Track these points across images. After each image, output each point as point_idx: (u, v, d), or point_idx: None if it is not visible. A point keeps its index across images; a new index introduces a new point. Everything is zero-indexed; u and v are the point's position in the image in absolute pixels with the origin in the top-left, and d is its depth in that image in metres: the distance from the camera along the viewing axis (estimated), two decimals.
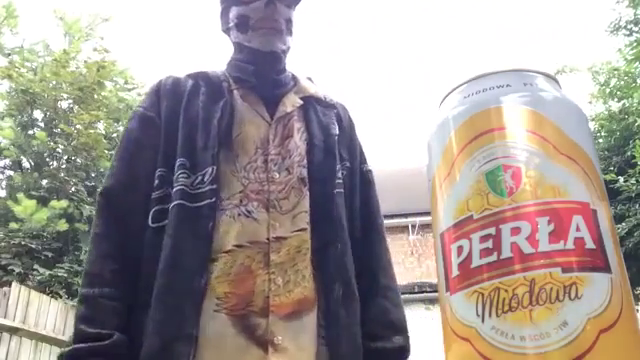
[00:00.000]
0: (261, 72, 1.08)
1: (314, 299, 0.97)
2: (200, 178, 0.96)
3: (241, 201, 0.97)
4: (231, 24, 1.10)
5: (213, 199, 0.95)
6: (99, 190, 1.03)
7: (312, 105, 1.12)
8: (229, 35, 1.13)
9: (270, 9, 1.04)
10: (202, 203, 0.94)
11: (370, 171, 1.20)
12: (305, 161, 1.05)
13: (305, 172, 1.04)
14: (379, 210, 1.19)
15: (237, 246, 0.94)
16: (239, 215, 0.96)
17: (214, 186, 0.96)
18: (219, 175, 0.97)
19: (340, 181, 1.07)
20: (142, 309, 0.92)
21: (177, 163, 0.97)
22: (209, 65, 1.16)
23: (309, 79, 1.19)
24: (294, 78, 1.15)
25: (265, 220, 0.97)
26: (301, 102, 1.11)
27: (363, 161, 1.19)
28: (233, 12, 1.09)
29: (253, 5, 1.05)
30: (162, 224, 0.95)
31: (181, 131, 1.01)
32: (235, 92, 1.07)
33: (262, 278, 0.93)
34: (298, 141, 1.06)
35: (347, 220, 1.06)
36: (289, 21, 1.09)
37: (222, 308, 0.91)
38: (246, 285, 0.92)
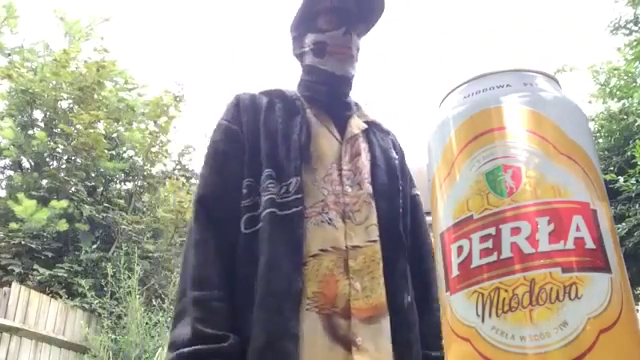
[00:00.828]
0: (333, 93, 1.20)
1: (387, 306, 1.06)
2: (285, 188, 1.04)
3: (322, 209, 1.06)
4: (307, 49, 1.19)
5: (300, 207, 1.03)
6: (194, 198, 1.08)
7: (373, 129, 1.24)
8: (302, 59, 1.23)
9: (346, 38, 1.16)
10: (291, 211, 1.02)
11: (418, 195, 1.31)
12: (370, 179, 1.15)
13: (371, 189, 1.14)
14: (428, 231, 1.29)
15: (322, 250, 1.03)
16: (322, 222, 1.05)
17: (299, 195, 1.04)
18: (302, 185, 1.05)
19: (402, 201, 1.18)
20: (243, 309, 0.97)
21: (265, 173, 1.05)
22: (282, 84, 1.24)
23: (366, 104, 1.31)
24: (356, 103, 1.27)
25: (342, 229, 1.06)
26: (365, 126, 1.22)
27: (413, 185, 1.30)
28: (310, 38, 1.18)
29: (330, 33, 1.16)
30: (254, 230, 1.02)
31: (264, 144, 1.09)
32: (308, 110, 1.17)
33: (343, 282, 1.01)
34: (365, 160, 1.16)
35: None
36: (358, 49, 1.21)
37: (313, 307, 0.99)
38: (331, 287, 1.00)
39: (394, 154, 1.24)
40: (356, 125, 1.21)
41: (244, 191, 1.05)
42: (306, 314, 0.98)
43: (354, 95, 1.28)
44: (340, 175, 1.11)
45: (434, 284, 1.17)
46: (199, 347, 0.90)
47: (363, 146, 1.19)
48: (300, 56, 1.23)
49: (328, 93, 1.19)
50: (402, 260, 1.12)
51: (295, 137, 1.10)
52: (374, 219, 1.10)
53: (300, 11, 1.19)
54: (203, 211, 1.05)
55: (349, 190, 1.10)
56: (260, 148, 1.09)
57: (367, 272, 1.04)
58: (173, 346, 0.92)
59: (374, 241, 1.08)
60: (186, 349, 0.90)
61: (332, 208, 1.07)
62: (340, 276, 1.02)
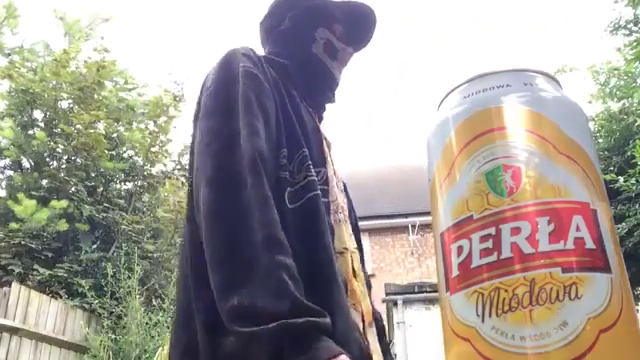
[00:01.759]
0: (326, 96, 1.17)
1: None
2: (319, 175, 0.95)
3: (337, 207, 1.00)
4: (319, 40, 1.14)
5: (326, 199, 0.96)
6: (249, 147, 0.84)
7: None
8: (309, 43, 1.13)
9: (350, 57, 1.19)
10: (324, 200, 0.93)
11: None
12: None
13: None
14: None
15: (344, 248, 0.97)
16: (339, 221, 0.99)
17: (326, 187, 0.96)
18: (328, 179, 0.98)
19: (355, 214, 1.16)
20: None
21: (302, 152, 0.93)
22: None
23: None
24: None
25: (346, 231, 1.01)
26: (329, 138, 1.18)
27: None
28: (323, 32, 1.14)
29: (343, 45, 1.16)
30: (296, 205, 0.88)
31: (296, 120, 0.97)
32: (304, 102, 1.09)
33: (356, 282, 0.97)
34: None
35: None
36: None
37: (351, 304, 0.92)
38: (354, 287, 0.95)
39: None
40: (326, 132, 1.16)
41: (283, 160, 0.90)
42: (350, 311, 0.91)
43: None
44: (335, 176, 1.05)
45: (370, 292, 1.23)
46: (313, 319, 0.71)
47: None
48: (301, 37, 1.13)
49: (324, 91, 1.16)
50: (365, 270, 1.11)
51: (313, 125, 1.03)
52: (351, 228, 1.07)
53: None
54: (264, 165, 0.84)
55: (340, 195, 1.05)
56: (294, 122, 0.96)
57: (361, 277, 1.01)
58: (257, 315, 0.70)
59: (357, 248, 1.05)
60: (299, 320, 0.69)
61: (341, 208, 1.02)
62: (352, 276, 0.96)
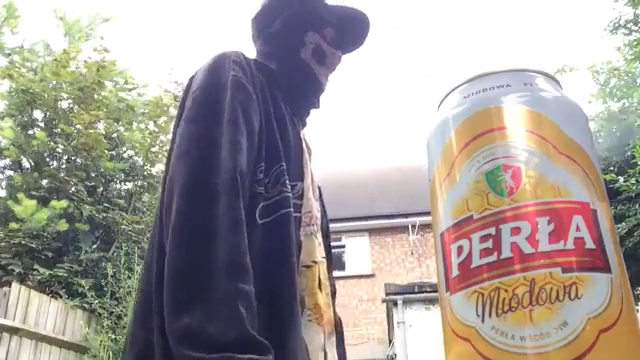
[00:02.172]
0: (312, 100, 1.16)
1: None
2: (294, 190, 0.94)
3: (310, 220, 1.01)
4: (308, 45, 1.13)
5: (299, 214, 0.95)
6: (228, 168, 0.82)
7: None
8: (297, 47, 1.12)
9: (339, 62, 1.18)
10: (296, 215, 0.93)
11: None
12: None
13: None
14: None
15: (313, 262, 0.98)
16: (311, 234, 1.00)
17: (300, 202, 0.96)
18: (303, 192, 0.98)
19: (326, 221, 1.18)
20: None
21: (280, 167, 0.92)
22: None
23: None
24: None
25: (319, 241, 1.03)
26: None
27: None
28: (313, 37, 1.13)
29: (332, 49, 1.15)
30: (266, 221, 0.87)
31: (278, 133, 0.95)
32: (287, 109, 1.07)
33: (320, 294, 0.98)
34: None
35: None
36: None
37: (314, 318, 0.95)
38: (319, 300, 0.97)
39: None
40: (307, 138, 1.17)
41: (260, 175, 0.89)
42: (309, 325, 0.92)
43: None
44: (311, 187, 1.05)
45: (334, 300, 1.25)
46: (255, 357, 0.70)
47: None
48: (294, 41, 1.12)
49: (308, 97, 1.15)
50: (333, 277, 1.14)
51: (296, 136, 1.02)
52: (321, 236, 1.07)
53: (306, 1, 1.14)
54: (243, 186, 0.83)
55: (315, 203, 1.06)
56: (275, 134, 0.94)
57: (325, 286, 1.01)
58: (206, 344, 0.69)
59: (324, 257, 1.05)
60: (240, 356, 0.68)
61: (314, 220, 1.02)
62: (317, 289, 0.97)
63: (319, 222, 1.06)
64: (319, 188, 1.15)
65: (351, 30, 1.19)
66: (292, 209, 0.90)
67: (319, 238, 1.04)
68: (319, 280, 0.98)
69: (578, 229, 0.56)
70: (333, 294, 1.12)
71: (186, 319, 0.70)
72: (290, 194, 0.91)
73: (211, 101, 0.88)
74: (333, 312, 1.06)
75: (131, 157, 7.97)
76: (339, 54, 1.16)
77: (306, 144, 1.09)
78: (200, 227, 0.77)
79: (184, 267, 0.74)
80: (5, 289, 4.67)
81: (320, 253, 1.02)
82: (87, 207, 6.46)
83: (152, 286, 0.83)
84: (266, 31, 1.15)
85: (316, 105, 1.17)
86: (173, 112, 7.85)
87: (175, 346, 0.70)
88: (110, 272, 5.48)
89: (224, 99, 0.88)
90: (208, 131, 0.85)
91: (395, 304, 8.46)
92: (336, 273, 1.57)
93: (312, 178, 1.07)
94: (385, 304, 8.86)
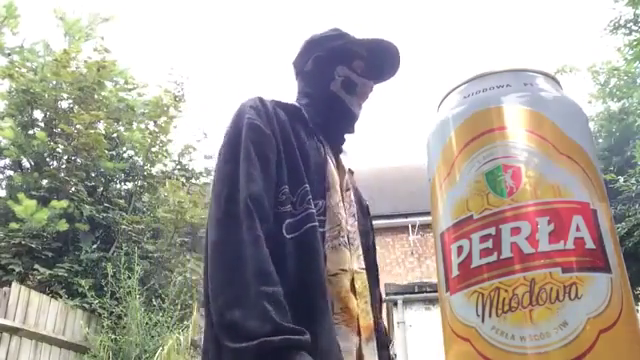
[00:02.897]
0: (343, 127, 1.30)
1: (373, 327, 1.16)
2: (317, 208, 1.10)
3: (339, 233, 1.12)
4: (337, 78, 1.27)
5: (323, 229, 1.10)
6: (245, 194, 1.03)
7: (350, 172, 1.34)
8: (328, 82, 1.27)
9: (370, 91, 1.30)
10: (321, 230, 1.08)
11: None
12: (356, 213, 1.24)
13: (356, 223, 1.23)
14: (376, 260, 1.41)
15: (342, 270, 1.10)
16: (339, 245, 1.11)
17: (324, 218, 1.11)
18: (326, 209, 1.12)
19: (372, 238, 1.33)
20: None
21: (305, 188, 1.09)
22: (287, 98, 1.27)
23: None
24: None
25: (349, 253, 1.13)
26: (349, 166, 1.31)
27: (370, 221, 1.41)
28: (342, 70, 1.27)
29: (363, 80, 1.27)
30: (294, 235, 1.05)
31: (300, 159, 1.13)
32: (318, 136, 1.23)
33: (354, 302, 1.10)
34: (352, 195, 1.26)
35: None
36: None
37: (341, 321, 1.06)
38: (350, 305, 1.08)
39: (363, 195, 1.39)
40: (345, 161, 1.31)
41: (282, 197, 1.07)
42: (336, 328, 1.04)
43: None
44: (343, 204, 1.19)
45: (380, 308, 1.36)
46: (289, 337, 0.87)
47: (350, 183, 1.29)
48: (321, 77, 1.28)
49: (340, 125, 1.29)
50: (378, 289, 1.28)
51: (318, 160, 1.17)
52: (361, 250, 1.20)
53: (336, 38, 1.28)
54: (256, 208, 1.01)
55: (350, 220, 1.19)
56: (296, 162, 1.12)
57: (363, 295, 1.13)
58: (243, 335, 0.87)
59: (364, 269, 1.18)
60: (276, 337, 0.86)
61: (343, 232, 1.14)
62: (351, 295, 1.09)
63: (353, 235, 1.18)
64: (366, 206, 1.36)
65: (380, 61, 1.30)
66: (317, 223, 1.06)
67: (357, 251, 1.17)
68: (353, 287, 1.11)
69: (578, 229, 0.56)
70: (380, 303, 1.27)
71: (230, 316, 0.90)
72: (314, 210, 1.07)
73: (231, 146, 1.10)
74: (375, 321, 1.18)
75: (131, 157, 7.97)
76: (371, 83, 1.29)
77: (338, 167, 1.25)
78: (230, 248, 0.99)
79: (224, 279, 0.96)
80: (5, 289, 4.67)
81: (357, 264, 1.15)
82: (87, 207, 6.45)
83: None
84: (302, 71, 1.31)
85: (350, 131, 1.31)
86: (173, 112, 7.85)
87: (222, 336, 0.91)
88: (110, 272, 5.48)
89: (240, 142, 1.09)
90: (231, 171, 1.06)
91: (395, 304, 8.46)
92: None
93: (347, 196, 1.22)
94: (385, 304, 8.87)
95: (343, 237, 1.13)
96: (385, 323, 1.33)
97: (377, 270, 1.35)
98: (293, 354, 0.87)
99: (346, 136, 1.33)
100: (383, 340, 1.21)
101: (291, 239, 1.04)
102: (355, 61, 1.28)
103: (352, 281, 1.12)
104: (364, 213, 1.33)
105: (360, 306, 1.11)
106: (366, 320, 1.12)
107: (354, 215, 1.22)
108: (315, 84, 1.29)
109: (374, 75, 1.30)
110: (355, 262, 1.15)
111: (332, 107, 1.27)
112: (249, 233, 0.98)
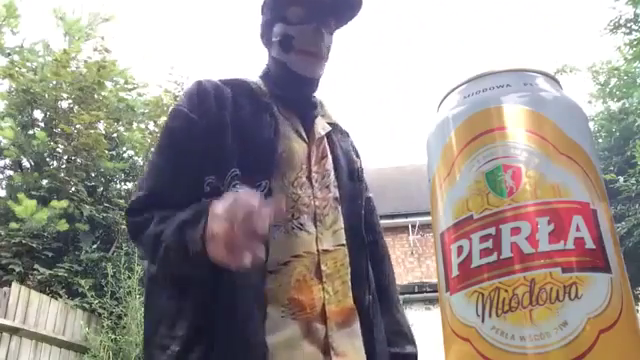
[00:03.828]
0: (299, 94, 1.14)
1: (355, 309, 1.06)
2: (258, 188, 0.98)
3: (293, 215, 1.02)
4: (274, 39, 1.12)
5: None
6: (146, 188, 1.02)
7: (335, 131, 1.21)
8: (269, 49, 1.16)
9: (316, 35, 1.08)
10: None
11: (372, 197, 1.31)
12: (336, 182, 1.13)
13: (337, 192, 1.12)
14: (382, 232, 1.30)
15: (294, 257, 1.00)
16: (293, 229, 1.01)
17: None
18: (271, 190, 1.00)
19: (363, 203, 1.18)
20: (210, 312, 0.94)
21: (231, 173, 0.98)
22: (241, 73, 1.19)
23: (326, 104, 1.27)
24: (320, 102, 1.22)
25: (314, 233, 1.03)
26: (330, 128, 1.18)
27: (367, 188, 1.28)
28: (278, 28, 1.11)
29: (300, 27, 1.08)
30: None
31: (232, 141, 1.01)
32: (275, 108, 1.10)
33: (317, 287, 1.00)
34: (330, 163, 1.14)
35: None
36: (329, 48, 1.13)
37: (288, 314, 0.96)
38: (305, 292, 0.98)
39: (354, 156, 1.23)
40: (321, 126, 1.17)
41: (206, 189, 0.97)
42: (282, 321, 0.95)
43: (320, 93, 1.23)
44: (309, 178, 1.07)
45: (392, 284, 1.23)
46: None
47: (328, 148, 1.16)
48: (267, 44, 1.16)
49: (295, 92, 1.14)
50: (364, 262, 1.12)
51: (265, 137, 1.04)
52: (341, 223, 1.09)
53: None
54: (154, 203, 0.97)
55: (318, 193, 1.07)
56: (225, 144, 1.01)
57: (338, 276, 1.03)
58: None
59: (342, 245, 1.07)
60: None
61: (304, 212, 1.03)
62: (313, 281, 1.00)
63: (323, 210, 1.06)
64: (358, 169, 1.20)
65: None
66: None
67: (323, 227, 1.05)
68: (319, 270, 1.00)
69: (578, 229, 0.56)
70: (359, 278, 1.09)
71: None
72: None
73: (159, 137, 1.10)
74: (358, 297, 1.06)
75: (131, 157, 7.97)
76: (310, 27, 1.08)
77: (313, 136, 1.12)
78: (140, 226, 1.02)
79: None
80: (5, 289, 4.67)
81: (327, 242, 1.04)
82: (87, 207, 6.45)
83: None
84: (262, 43, 1.18)
85: (308, 92, 1.16)
86: None
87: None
88: (110, 272, 5.47)
89: (163, 132, 1.08)
90: (149, 164, 1.09)
91: None
92: None
93: (316, 169, 1.09)
94: None
95: (298, 219, 1.02)
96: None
97: (375, 238, 1.21)
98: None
99: (314, 98, 1.18)
100: (370, 319, 1.08)
101: None
102: (290, 8, 1.08)
103: (318, 264, 1.01)
104: (352, 176, 1.18)
105: (327, 290, 1.01)
106: (340, 304, 1.02)
107: (328, 186, 1.10)
108: (268, 54, 1.17)
109: (321, 14, 1.09)
110: (325, 241, 1.04)
111: (279, 75, 1.13)
112: (145, 233, 0.98)
